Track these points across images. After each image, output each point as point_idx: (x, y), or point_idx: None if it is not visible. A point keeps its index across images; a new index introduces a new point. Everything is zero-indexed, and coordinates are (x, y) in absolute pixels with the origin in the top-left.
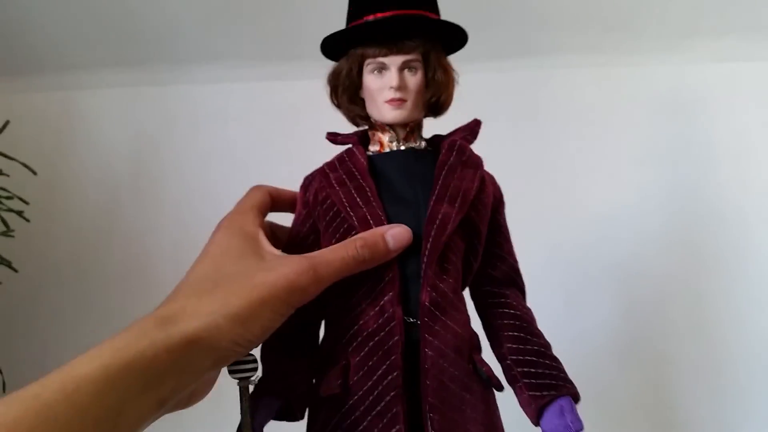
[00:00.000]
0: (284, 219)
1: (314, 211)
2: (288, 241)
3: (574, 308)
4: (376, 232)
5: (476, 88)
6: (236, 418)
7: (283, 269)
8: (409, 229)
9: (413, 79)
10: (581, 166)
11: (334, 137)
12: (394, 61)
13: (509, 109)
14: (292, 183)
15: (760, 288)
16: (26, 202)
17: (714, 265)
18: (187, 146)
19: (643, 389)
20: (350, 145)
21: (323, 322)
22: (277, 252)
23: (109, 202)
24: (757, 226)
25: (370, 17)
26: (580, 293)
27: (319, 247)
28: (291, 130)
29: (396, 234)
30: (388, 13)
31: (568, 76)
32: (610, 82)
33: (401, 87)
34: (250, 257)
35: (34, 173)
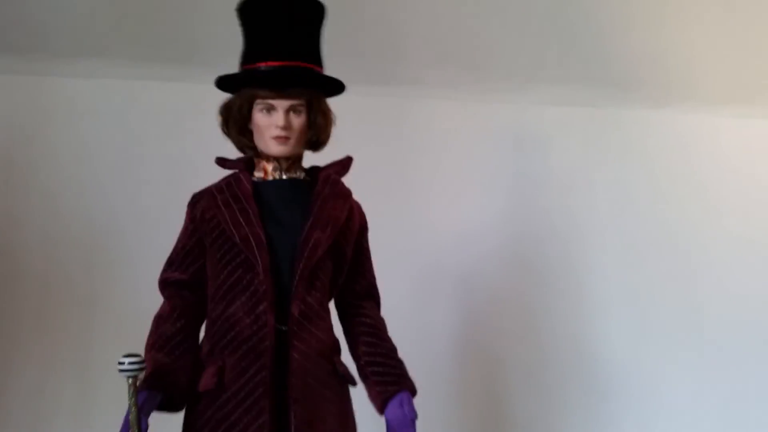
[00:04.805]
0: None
1: (200, 228)
2: (174, 251)
3: (422, 313)
4: None
5: (346, 109)
6: (122, 410)
7: None
8: None
9: (297, 121)
10: (434, 188)
11: (222, 162)
12: (281, 104)
13: (374, 131)
14: (164, 180)
15: (578, 299)
16: None
17: (540, 279)
18: (61, 140)
19: (478, 384)
20: (237, 171)
21: (204, 327)
22: None
23: None
24: (577, 248)
25: (263, 65)
26: (427, 300)
27: (204, 259)
28: (169, 131)
29: None
30: (278, 63)
31: (426, 107)
32: (462, 116)
33: (286, 127)
34: None
35: None
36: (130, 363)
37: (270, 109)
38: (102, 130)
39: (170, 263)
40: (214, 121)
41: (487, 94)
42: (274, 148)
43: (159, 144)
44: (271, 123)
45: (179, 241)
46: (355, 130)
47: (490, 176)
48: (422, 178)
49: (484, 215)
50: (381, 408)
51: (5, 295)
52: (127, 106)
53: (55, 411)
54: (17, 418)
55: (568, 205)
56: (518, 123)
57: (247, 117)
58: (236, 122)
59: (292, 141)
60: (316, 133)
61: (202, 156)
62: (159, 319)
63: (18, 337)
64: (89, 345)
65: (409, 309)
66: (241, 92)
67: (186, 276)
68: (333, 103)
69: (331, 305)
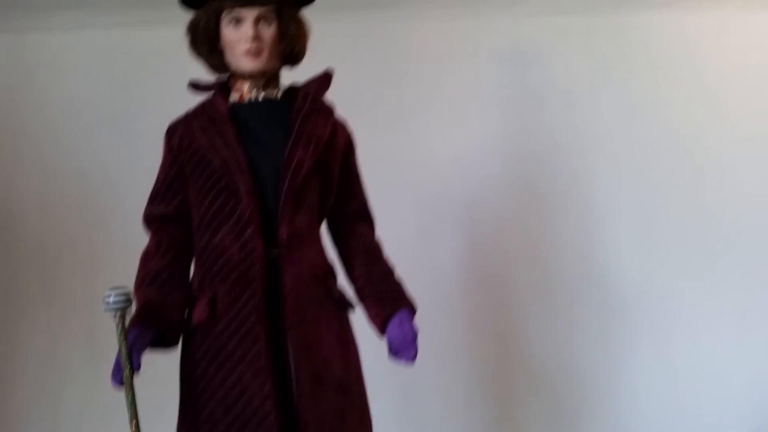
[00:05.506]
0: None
1: (179, 157)
2: (155, 186)
3: (426, 240)
4: None
5: (333, 37)
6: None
7: None
8: None
9: (268, 31)
10: (431, 113)
11: (196, 86)
12: (249, 14)
13: (364, 58)
14: (156, 129)
15: (584, 219)
16: None
17: (545, 198)
18: (47, 97)
19: (487, 310)
20: (211, 94)
21: (193, 260)
22: None
23: None
24: (582, 162)
25: None
26: (431, 227)
27: (186, 191)
28: (157, 78)
29: None
30: None
31: (416, 28)
32: (454, 34)
33: (257, 38)
34: None
35: None
36: (116, 297)
37: (238, 20)
38: (88, 84)
39: (153, 198)
40: (195, 64)
41: (479, 8)
42: (247, 64)
43: (148, 92)
44: (241, 36)
45: (159, 174)
46: (344, 58)
47: (488, 95)
48: (417, 104)
49: (484, 137)
50: (381, 328)
51: (6, 261)
52: (111, 56)
53: (65, 374)
54: (29, 383)
55: (572, 118)
56: (513, 36)
57: (215, 34)
58: (204, 40)
59: (264, 54)
60: (290, 43)
61: (192, 102)
62: (146, 256)
63: (24, 302)
64: (95, 304)
65: (414, 240)
66: (207, 5)
67: (170, 209)
68: (319, 31)
69: (324, 231)
